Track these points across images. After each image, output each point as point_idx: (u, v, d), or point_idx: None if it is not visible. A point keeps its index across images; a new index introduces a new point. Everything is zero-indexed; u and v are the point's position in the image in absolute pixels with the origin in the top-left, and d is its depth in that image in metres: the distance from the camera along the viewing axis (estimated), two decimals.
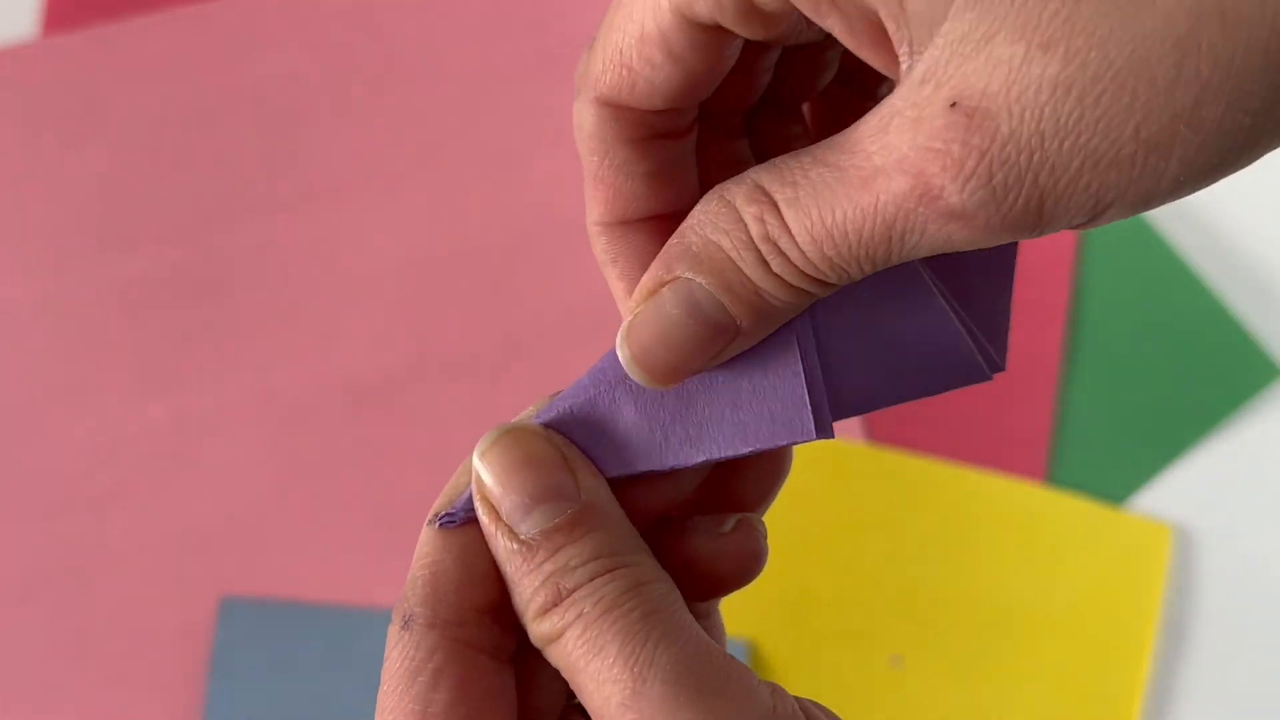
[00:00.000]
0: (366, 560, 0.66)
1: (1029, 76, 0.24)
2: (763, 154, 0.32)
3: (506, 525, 0.29)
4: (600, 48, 0.29)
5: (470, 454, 0.31)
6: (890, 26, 0.26)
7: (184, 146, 0.70)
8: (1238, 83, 0.24)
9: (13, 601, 0.65)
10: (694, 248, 0.29)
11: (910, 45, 0.26)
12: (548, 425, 0.30)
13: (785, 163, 0.28)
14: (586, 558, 0.28)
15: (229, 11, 0.72)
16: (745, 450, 0.30)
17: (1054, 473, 0.68)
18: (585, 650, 0.28)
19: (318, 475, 0.67)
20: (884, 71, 0.27)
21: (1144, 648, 0.65)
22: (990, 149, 0.25)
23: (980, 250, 0.28)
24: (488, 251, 0.70)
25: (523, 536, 0.29)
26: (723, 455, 0.30)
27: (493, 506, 0.29)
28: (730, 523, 0.32)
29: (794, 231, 0.27)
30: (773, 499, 0.33)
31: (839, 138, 0.27)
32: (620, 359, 0.30)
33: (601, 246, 0.31)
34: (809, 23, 0.28)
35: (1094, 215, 0.26)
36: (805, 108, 0.33)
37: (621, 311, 0.31)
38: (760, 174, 0.28)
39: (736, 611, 0.63)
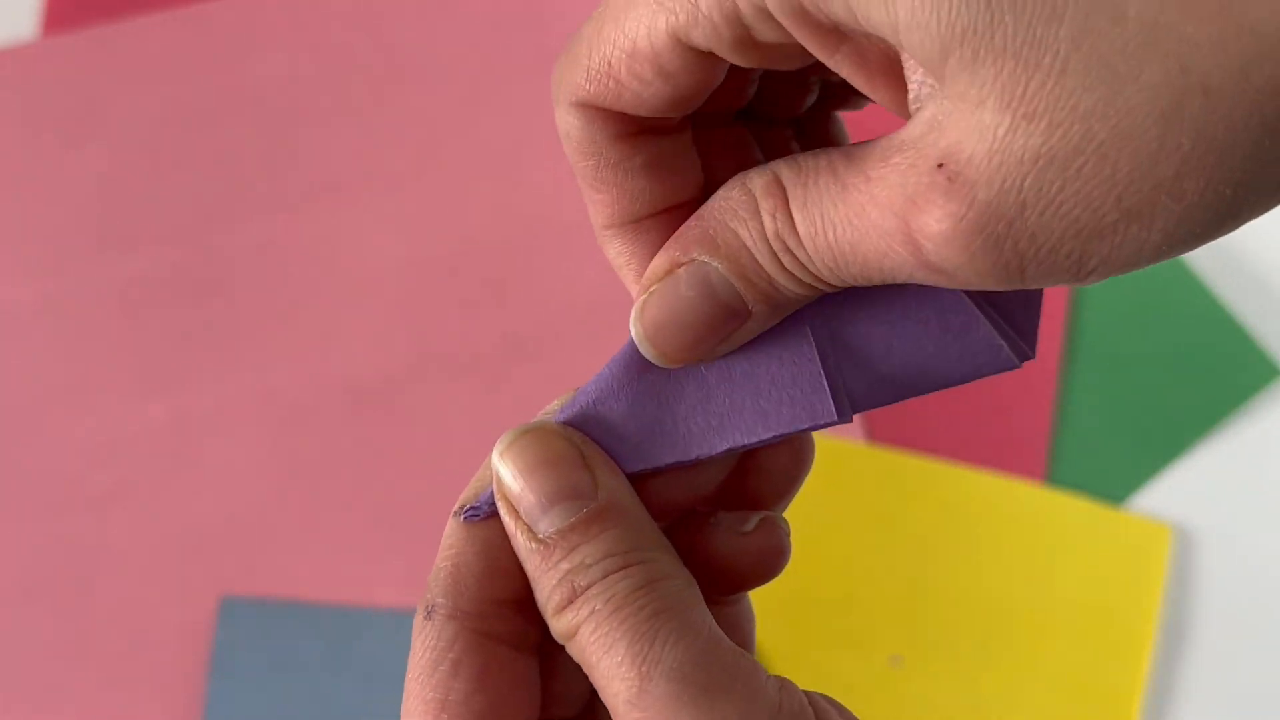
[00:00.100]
0: (366, 560, 0.66)
1: (1012, 147, 0.25)
2: (760, 138, 0.33)
3: (525, 524, 0.29)
4: (584, 55, 0.29)
5: (486, 452, 0.31)
6: (906, 61, 0.26)
7: (184, 146, 0.70)
8: (1220, 156, 0.24)
9: (13, 601, 0.65)
10: (712, 232, 0.29)
11: (921, 78, 0.26)
12: (568, 422, 0.31)
13: (804, 160, 0.28)
14: (600, 555, 0.29)
15: (229, 11, 0.72)
16: (768, 436, 0.30)
17: (1054, 472, 0.68)
18: (597, 647, 0.28)
19: (318, 475, 0.67)
20: (892, 110, 0.28)
21: (1144, 647, 0.65)
22: (967, 215, 0.25)
23: None
24: (488, 251, 0.70)
25: (540, 535, 0.29)
26: (746, 443, 0.30)
27: (512, 505, 0.30)
28: (753, 521, 0.32)
29: (801, 235, 0.28)
30: (794, 495, 0.34)
31: (855, 149, 0.28)
32: (633, 336, 0.30)
33: (615, 250, 0.31)
34: (800, 53, 0.28)
35: (1078, 278, 0.26)
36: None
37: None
38: (781, 167, 0.29)
39: None
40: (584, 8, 0.72)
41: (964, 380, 0.30)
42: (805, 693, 0.29)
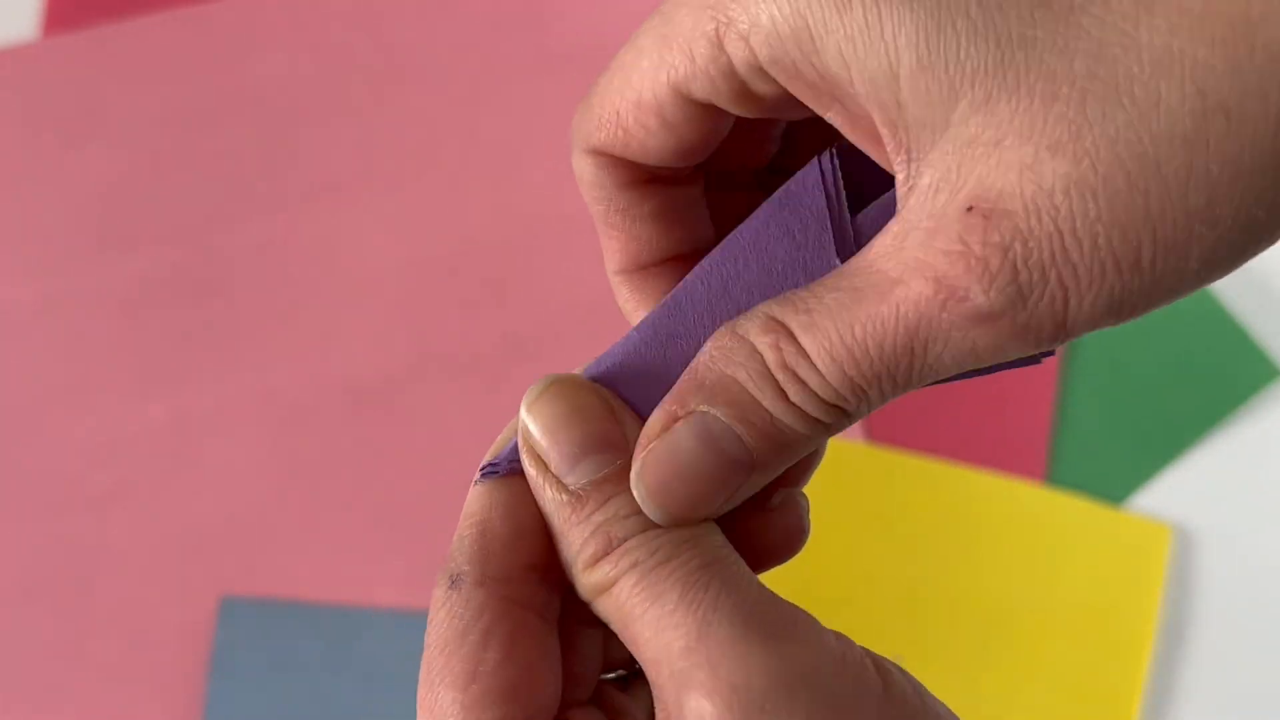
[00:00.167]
0: (366, 560, 0.66)
1: (1042, 176, 0.24)
2: None
3: (554, 476, 0.29)
4: (596, 105, 0.29)
5: (486, 452, 0.31)
6: (885, 132, 0.26)
7: (184, 146, 0.70)
8: (1249, 179, 0.24)
9: (13, 601, 0.65)
10: (708, 381, 0.28)
11: (909, 151, 0.26)
12: (595, 378, 0.30)
13: (796, 294, 0.27)
14: (638, 508, 0.28)
15: (229, 11, 0.72)
16: None
17: (1053, 472, 0.68)
18: (643, 598, 0.27)
19: (318, 475, 0.67)
20: (884, 166, 0.27)
21: (1143, 647, 0.65)
22: (1013, 245, 0.25)
23: None
24: (488, 251, 0.70)
25: (571, 487, 0.29)
26: None
27: (539, 458, 0.29)
28: (777, 498, 0.31)
29: (812, 355, 0.27)
30: (811, 473, 0.33)
31: (850, 264, 0.27)
32: (635, 497, 0.29)
33: (624, 296, 0.31)
34: (803, 107, 0.28)
35: (1117, 317, 0.25)
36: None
37: None
38: (771, 306, 0.28)
39: None
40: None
41: (989, 371, 0.29)
42: (864, 649, 0.28)
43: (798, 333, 0.27)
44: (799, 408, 0.27)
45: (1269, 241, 0.25)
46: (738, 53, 0.27)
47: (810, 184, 0.30)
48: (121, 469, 0.67)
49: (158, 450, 0.67)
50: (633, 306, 0.31)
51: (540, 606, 0.30)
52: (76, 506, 0.66)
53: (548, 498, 0.29)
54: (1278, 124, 0.24)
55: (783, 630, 0.27)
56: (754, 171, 0.32)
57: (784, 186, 0.30)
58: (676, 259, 0.31)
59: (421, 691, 0.29)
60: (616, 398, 0.30)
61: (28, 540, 0.66)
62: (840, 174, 0.29)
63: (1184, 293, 0.25)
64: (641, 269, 0.31)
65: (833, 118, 0.27)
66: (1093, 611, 0.66)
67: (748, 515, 0.31)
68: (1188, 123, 0.24)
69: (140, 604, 0.65)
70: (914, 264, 0.25)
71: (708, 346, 0.28)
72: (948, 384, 0.31)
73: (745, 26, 0.26)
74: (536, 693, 0.29)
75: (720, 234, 0.30)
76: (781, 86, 0.27)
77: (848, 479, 0.67)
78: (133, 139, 0.70)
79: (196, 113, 0.71)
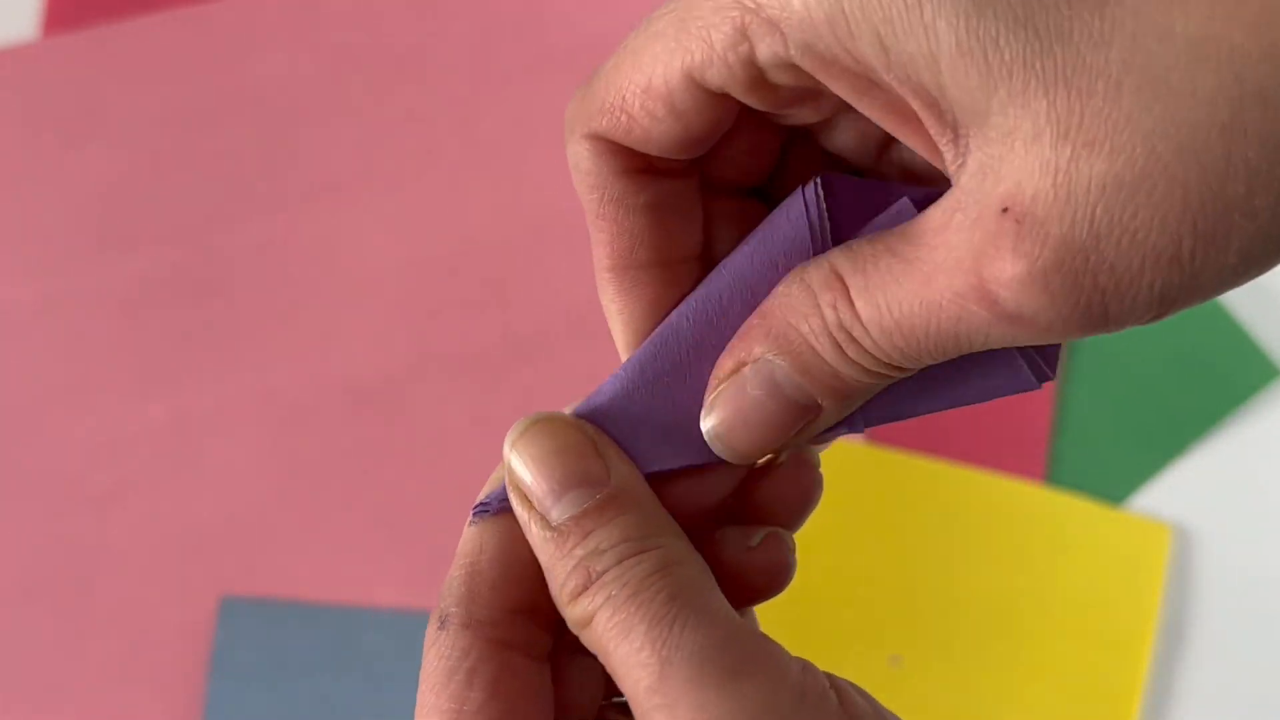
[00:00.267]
0: (366, 560, 0.66)
1: (1077, 177, 0.24)
2: None
3: (539, 513, 0.29)
4: (601, 89, 0.29)
5: (487, 452, 0.31)
6: (927, 114, 0.26)
7: (184, 146, 0.70)
8: None
9: (13, 601, 0.65)
10: (774, 330, 0.29)
11: (955, 129, 0.26)
12: (582, 416, 0.31)
13: (860, 247, 0.28)
14: (615, 540, 0.28)
15: (229, 11, 0.72)
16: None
17: (1053, 472, 0.68)
18: (615, 633, 0.28)
19: (318, 475, 0.67)
20: (925, 155, 0.27)
21: (1143, 647, 0.66)
22: (1042, 255, 0.25)
23: None
24: (488, 251, 0.70)
25: (554, 523, 0.29)
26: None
27: (525, 495, 0.29)
28: (759, 536, 0.32)
29: (865, 321, 0.27)
30: (803, 521, 0.34)
31: (909, 226, 0.27)
32: (705, 437, 0.30)
33: (609, 295, 0.31)
34: (810, 102, 0.28)
35: (1159, 312, 0.25)
36: None
37: (622, 356, 0.31)
38: (837, 257, 0.28)
39: None
40: (584, 8, 0.72)
41: (980, 400, 0.30)
42: (829, 675, 0.29)
43: (854, 294, 0.28)
44: (857, 363, 0.28)
45: None
46: (764, 41, 0.26)
47: (794, 215, 0.30)
48: (121, 469, 0.67)
49: (158, 450, 0.67)
50: (617, 309, 0.31)
51: (527, 646, 0.30)
52: (76, 506, 0.66)
53: (534, 534, 0.29)
54: None
55: (743, 667, 0.27)
56: (750, 184, 0.32)
57: (767, 219, 0.30)
58: (665, 264, 0.31)
59: None
60: (600, 433, 0.30)
61: (28, 540, 0.66)
62: (824, 205, 0.30)
63: (1223, 288, 0.25)
64: (630, 269, 0.31)
65: (867, 106, 0.27)
66: (1093, 611, 0.66)
67: (730, 553, 0.31)
68: (1225, 111, 0.24)
69: (140, 604, 0.65)
70: (956, 252, 0.26)
71: (777, 290, 0.29)
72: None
73: (776, 13, 0.26)
74: None
75: (710, 241, 0.31)
76: (797, 79, 0.27)
77: (848, 479, 0.67)
78: (133, 139, 0.70)
79: (196, 113, 0.71)
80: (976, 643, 0.66)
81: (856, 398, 0.29)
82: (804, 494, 0.33)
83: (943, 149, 0.26)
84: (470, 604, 0.30)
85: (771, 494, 0.33)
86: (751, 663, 0.27)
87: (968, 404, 0.30)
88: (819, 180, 0.30)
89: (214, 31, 0.72)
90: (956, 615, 0.66)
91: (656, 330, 0.31)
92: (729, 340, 0.30)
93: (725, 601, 0.29)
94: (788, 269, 0.29)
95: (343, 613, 0.65)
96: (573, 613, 0.29)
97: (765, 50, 0.26)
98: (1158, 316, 0.26)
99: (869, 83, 0.26)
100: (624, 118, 0.29)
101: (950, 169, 0.26)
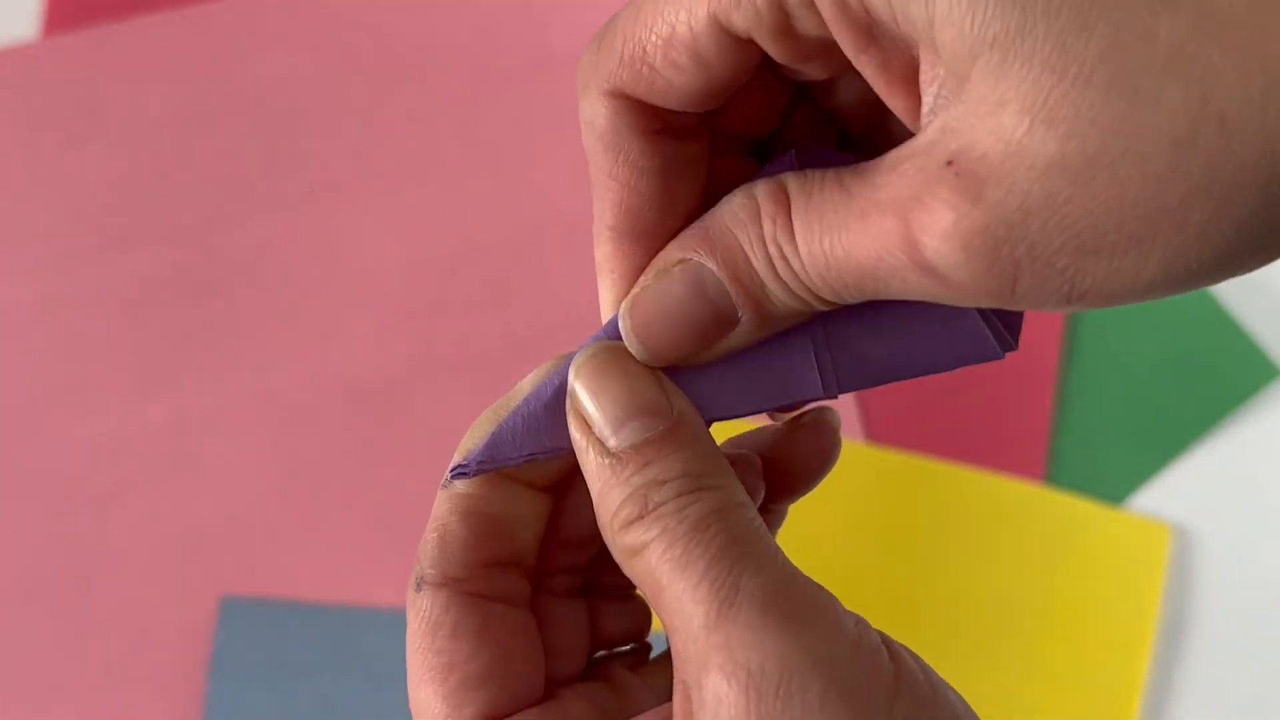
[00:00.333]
0: (366, 560, 0.66)
1: (1026, 150, 0.25)
2: None
3: (598, 439, 0.29)
4: (619, 42, 0.29)
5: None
6: (923, 69, 0.26)
7: (184, 146, 0.70)
8: (1226, 190, 0.24)
9: (13, 601, 0.65)
10: (712, 232, 0.29)
11: (938, 88, 0.26)
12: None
13: (812, 173, 0.28)
14: (676, 474, 0.28)
15: (229, 11, 0.72)
16: (752, 410, 0.31)
17: (1053, 472, 0.68)
18: (670, 567, 0.28)
19: (318, 475, 0.67)
20: (904, 118, 0.28)
21: (1143, 646, 0.66)
22: (971, 213, 0.25)
23: None
24: (488, 251, 0.70)
25: (613, 449, 0.29)
26: (728, 416, 0.31)
27: (585, 420, 0.29)
28: (809, 415, 0.33)
29: (798, 241, 0.28)
30: (818, 482, 0.34)
31: (864, 164, 0.28)
32: (620, 328, 0.30)
33: (605, 253, 0.31)
34: (823, 56, 0.28)
35: (1067, 300, 0.26)
36: None
37: (603, 317, 0.31)
38: (789, 177, 0.29)
39: None
40: (584, 7, 0.72)
41: (947, 367, 0.30)
42: (879, 633, 0.29)
43: (794, 213, 0.28)
44: (784, 281, 0.28)
45: (1229, 268, 0.25)
46: None
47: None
48: (121, 469, 0.67)
49: (158, 450, 0.67)
50: (609, 266, 0.31)
51: (508, 595, 0.31)
52: (76, 506, 0.66)
53: (590, 460, 0.29)
54: (1268, 143, 0.24)
55: (802, 613, 0.27)
56: (751, 140, 0.32)
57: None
58: (668, 226, 0.31)
59: (410, 693, 0.30)
60: (660, 372, 0.30)
61: (28, 540, 0.66)
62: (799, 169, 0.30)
63: (1134, 297, 0.26)
64: (634, 230, 0.31)
65: (866, 62, 0.27)
66: (1093, 611, 0.66)
67: (774, 436, 0.32)
68: (1183, 124, 0.24)
69: (140, 604, 0.65)
70: (895, 195, 0.26)
71: (726, 198, 0.29)
72: (947, 384, 0.32)
73: None
74: (515, 674, 0.30)
75: (709, 202, 0.31)
76: (822, 25, 0.27)
77: (847, 479, 0.67)
78: (133, 139, 0.70)
79: (196, 113, 0.71)
80: (976, 642, 0.66)
81: (774, 321, 0.29)
82: (823, 454, 0.33)
83: (925, 101, 0.27)
84: (444, 563, 0.30)
85: (792, 452, 0.33)
86: (811, 610, 0.28)
87: (936, 371, 0.30)
88: (794, 152, 0.30)
89: (214, 31, 0.72)
90: (956, 615, 0.66)
91: None
92: None
93: (780, 549, 0.29)
94: None
95: (343, 613, 0.65)
96: (623, 539, 0.29)
97: None
98: (1064, 305, 0.26)
99: (870, 38, 0.27)
100: (645, 70, 0.29)
101: (922, 120, 0.27)
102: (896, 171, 0.26)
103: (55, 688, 0.64)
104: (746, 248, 0.29)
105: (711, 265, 0.29)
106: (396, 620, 0.65)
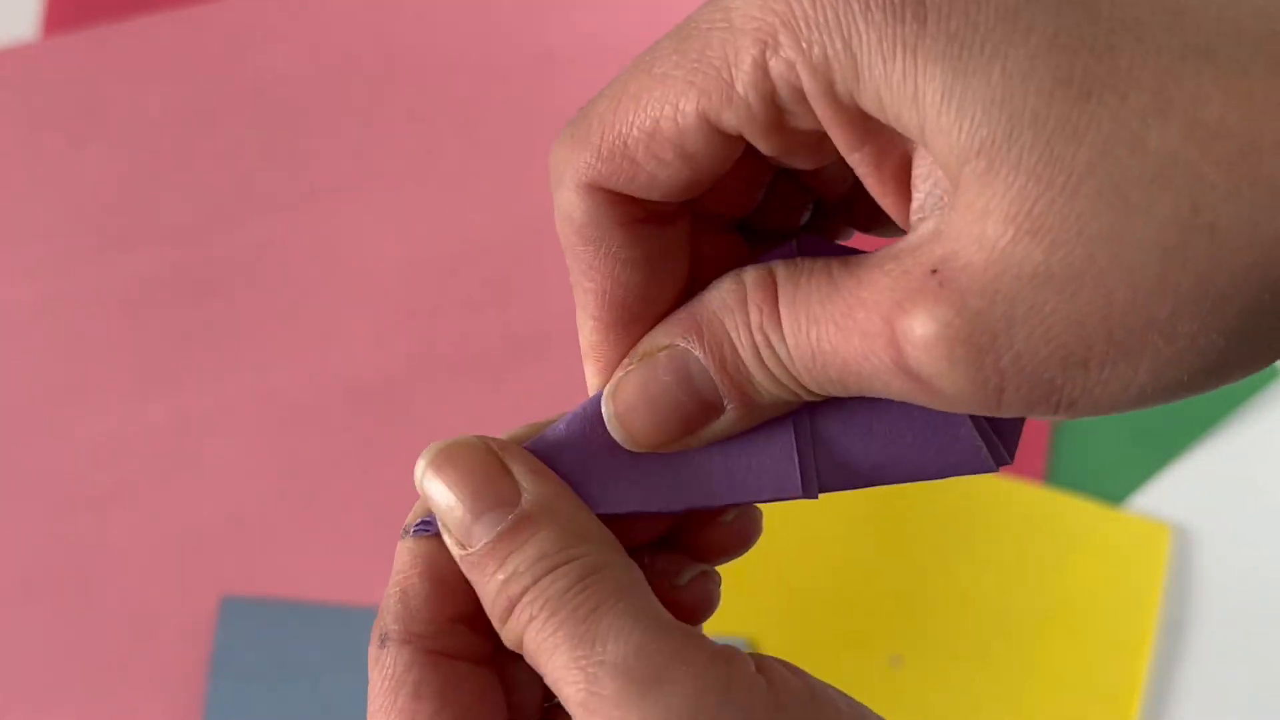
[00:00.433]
0: (366, 560, 0.66)
1: (1010, 259, 0.24)
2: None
3: (458, 539, 0.29)
4: (597, 134, 0.28)
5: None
6: (917, 171, 0.26)
7: (184, 146, 0.70)
8: (1216, 302, 0.24)
9: (14, 601, 0.65)
10: (699, 318, 0.29)
11: (928, 190, 0.26)
12: (533, 450, 0.30)
13: (801, 262, 0.28)
14: (532, 560, 0.28)
15: (229, 11, 0.72)
16: (730, 502, 0.30)
17: (1053, 472, 0.68)
18: (542, 652, 0.28)
19: (318, 475, 0.67)
20: (894, 215, 0.27)
21: (1143, 647, 0.66)
22: (954, 322, 0.25)
23: None
24: (488, 251, 0.70)
25: (473, 548, 0.29)
26: (707, 505, 0.30)
27: (445, 522, 0.30)
28: (688, 575, 0.32)
29: (785, 331, 0.28)
30: (732, 559, 0.33)
31: (853, 257, 0.28)
32: (604, 414, 0.30)
33: (591, 342, 0.30)
34: (815, 151, 0.28)
35: (1055, 410, 0.26)
36: None
37: (590, 391, 0.31)
38: (778, 265, 0.28)
39: (737, 611, 0.63)
40: (584, 7, 0.72)
41: (936, 476, 0.30)
42: (756, 657, 0.29)
43: (781, 302, 0.28)
44: (770, 371, 0.28)
45: (1220, 377, 0.25)
46: (783, 80, 0.26)
47: None
48: (121, 469, 0.67)
49: (158, 450, 0.67)
50: (596, 354, 0.30)
51: (469, 653, 0.30)
52: (77, 506, 0.66)
53: (459, 559, 0.29)
54: (1258, 256, 0.24)
55: (664, 673, 0.27)
56: (734, 218, 0.31)
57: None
58: (654, 314, 0.30)
59: None
60: (511, 449, 0.30)
61: (28, 540, 0.66)
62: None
63: (1124, 407, 0.25)
64: (620, 320, 0.30)
65: (860, 159, 0.27)
66: (1093, 611, 0.66)
67: (656, 588, 0.31)
68: (1173, 236, 0.24)
69: (140, 604, 0.65)
70: (879, 297, 0.26)
71: (714, 283, 0.29)
72: None
73: (793, 56, 0.26)
74: None
75: (694, 280, 0.30)
76: (811, 124, 0.27)
77: None
78: (133, 139, 0.70)
79: (196, 113, 0.71)
80: (977, 643, 0.66)
81: (760, 410, 0.29)
82: (743, 540, 0.33)
83: (915, 200, 0.26)
84: (407, 620, 0.30)
85: (711, 537, 0.32)
86: (673, 666, 0.27)
87: (921, 479, 0.30)
88: (795, 243, 0.29)
89: (214, 31, 0.72)
90: (957, 615, 0.66)
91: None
92: None
93: (651, 599, 0.29)
94: None
95: (343, 613, 0.65)
96: (505, 635, 0.29)
97: (786, 89, 0.26)
98: (1054, 415, 0.26)
99: (864, 136, 0.26)
100: (626, 164, 0.28)
101: (913, 221, 0.27)
102: (882, 270, 0.26)
103: (55, 688, 0.64)
104: (733, 335, 0.28)
105: (697, 352, 0.29)
106: None
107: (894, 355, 0.26)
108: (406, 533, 0.31)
